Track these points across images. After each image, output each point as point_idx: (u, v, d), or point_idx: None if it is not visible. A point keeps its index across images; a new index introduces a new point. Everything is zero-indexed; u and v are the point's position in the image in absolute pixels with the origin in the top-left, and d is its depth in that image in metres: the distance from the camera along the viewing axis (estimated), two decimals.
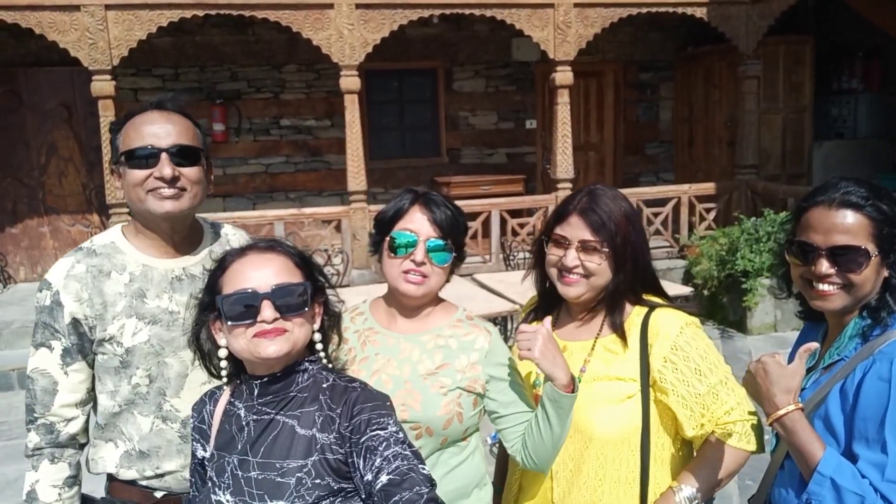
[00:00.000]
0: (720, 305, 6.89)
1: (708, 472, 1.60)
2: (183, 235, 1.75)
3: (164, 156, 1.61)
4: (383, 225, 1.66)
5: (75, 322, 1.66)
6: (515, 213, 7.71)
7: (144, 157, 1.61)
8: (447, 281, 1.69)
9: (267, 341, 1.30)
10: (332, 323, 1.46)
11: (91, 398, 1.74)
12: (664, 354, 1.60)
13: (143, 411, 1.70)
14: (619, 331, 1.66)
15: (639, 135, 9.92)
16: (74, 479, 1.72)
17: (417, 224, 1.61)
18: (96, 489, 1.83)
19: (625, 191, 8.05)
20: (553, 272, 1.68)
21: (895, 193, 1.52)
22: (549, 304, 1.80)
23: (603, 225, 1.61)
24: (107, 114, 6.31)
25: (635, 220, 1.68)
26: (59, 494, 1.68)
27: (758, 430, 1.62)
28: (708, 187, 7.97)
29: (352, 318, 1.72)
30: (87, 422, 1.75)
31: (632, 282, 1.66)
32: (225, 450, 1.36)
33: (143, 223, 1.72)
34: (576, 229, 1.63)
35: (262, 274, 1.33)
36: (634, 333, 1.65)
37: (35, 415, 1.69)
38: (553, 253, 1.67)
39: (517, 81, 9.40)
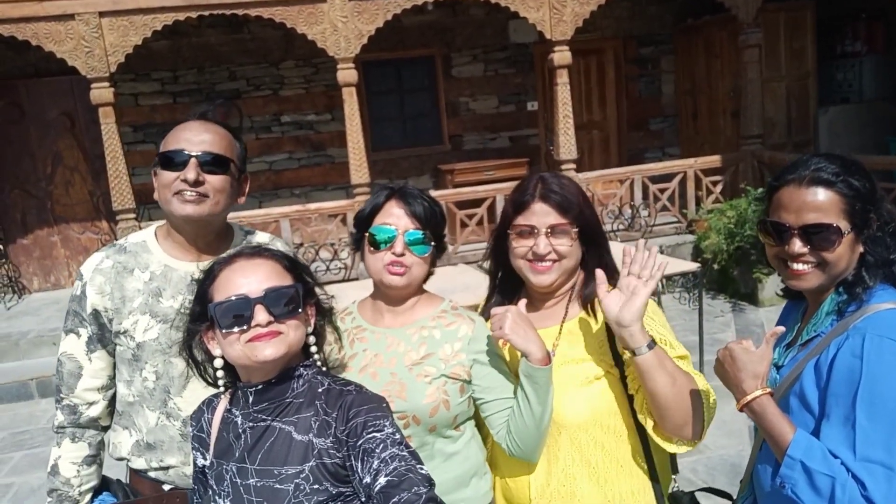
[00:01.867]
0: (731, 279, 6.86)
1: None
2: (207, 240, 1.81)
3: (192, 160, 1.69)
4: (362, 222, 1.69)
5: (96, 313, 1.78)
6: None
7: (175, 161, 1.70)
8: (430, 273, 1.72)
9: (263, 344, 1.30)
10: (325, 321, 1.47)
11: (112, 385, 1.86)
12: None
13: (150, 406, 1.79)
14: (590, 308, 1.67)
15: (642, 110, 9.84)
16: (94, 458, 1.84)
17: (395, 218, 1.65)
18: (119, 476, 1.93)
19: (630, 168, 7.97)
20: (522, 264, 1.67)
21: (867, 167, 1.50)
22: (503, 297, 1.79)
23: (570, 204, 1.63)
24: (108, 121, 6.33)
25: (587, 196, 1.71)
26: (78, 471, 1.80)
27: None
28: (714, 160, 7.90)
29: (341, 318, 1.75)
30: (109, 407, 1.86)
31: (598, 256, 1.67)
32: (223, 458, 1.37)
33: (171, 225, 1.80)
34: (541, 216, 1.62)
35: (251, 279, 1.34)
36: (599, 313, 1.65)
37: (61, 395, 1.83)
38: (521, 244, 1.65)
39: (516, 64, 9.33)
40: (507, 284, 1.79)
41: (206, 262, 1.73)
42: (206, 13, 6.48)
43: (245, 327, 1.31)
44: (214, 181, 1.71)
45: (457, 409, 1.63)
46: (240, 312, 1.31)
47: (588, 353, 1.65)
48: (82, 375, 1.80)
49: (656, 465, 1.67)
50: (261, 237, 1.94)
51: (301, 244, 7.22)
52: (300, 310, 1.37)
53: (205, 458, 1.43)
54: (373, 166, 7.49)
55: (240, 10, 6.48)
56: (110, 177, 6.47)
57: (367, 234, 1.67)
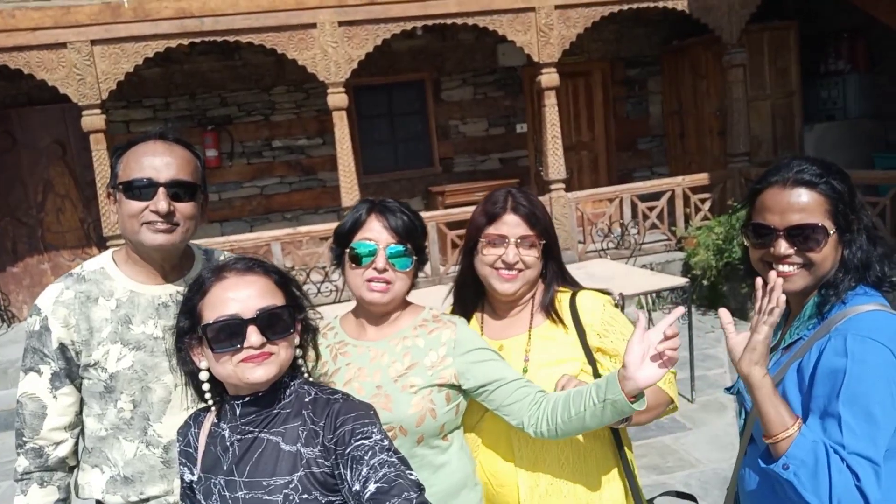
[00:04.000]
0: (720, 294, 6.89)
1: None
2: (173, 263, 1.77)
3: (161, 190, 1.62)
4: (342, 237, 1.69)
5: (62, 347, 1.68)
6: None
7: (142, 189, 1.63)
8: (412, 286, 1.72)
9: (254, 366, 1.29)
10: (310, 338, 1.46)
11: (79, 421, 1.76)
12: (597, 331, 1.72)
13: (127, 437, 1.72)
14: (555, 316, 1.75)
15: (630, 131, 9.94)
16: (64, 502, 1.74)
17: (376, 233, 1.65)
18: None
19: (619, 187, 8.00)
20: (489, 272, 1.74)
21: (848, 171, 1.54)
22: (462, 307, 1.87)
23: (538, 219, 1.73)
24: (99, 148, 6.36)
25: (549, 214, 1.82)
26: None
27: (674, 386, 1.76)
28: (701, 178, 7.98)
29: (323, 333, 1.74)
30: (76, 445, 1.77)
31: (558, 268, 1.80)
32: (211, 472, 1.36)
33: (134, 250, 1.74)
34: (512, 227, 1.72)
35: (243, 297, 1.31)
36: (567, 316, 1.75)
37: (24, 439, 1.71)
38: (490, 253, 1.73)
39: (505, 87, 9.44)
40: (468, 294, 1.86)
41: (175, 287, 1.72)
42: (198, 40, 6.54)
43: (238, 347, 1.29)
44: (184, 209, 1.66)
45: (443, 417, 1.63)
46: (232, 333, 1.29)
47: (561, 355, 1.71)
48: (47, 415, 1.69)
49: (626, 453, 1.77)
50: (217, 255, 1.91)
51: (292, 267, 7.22)
52: (292, 330, 1.36)
53: (192, 473, 1.42)
54: (364, 189, 7.52)
55: (231, 36, 6.54)
56: (101, 203, 6.48)
57: (347, 250, 1.67)
